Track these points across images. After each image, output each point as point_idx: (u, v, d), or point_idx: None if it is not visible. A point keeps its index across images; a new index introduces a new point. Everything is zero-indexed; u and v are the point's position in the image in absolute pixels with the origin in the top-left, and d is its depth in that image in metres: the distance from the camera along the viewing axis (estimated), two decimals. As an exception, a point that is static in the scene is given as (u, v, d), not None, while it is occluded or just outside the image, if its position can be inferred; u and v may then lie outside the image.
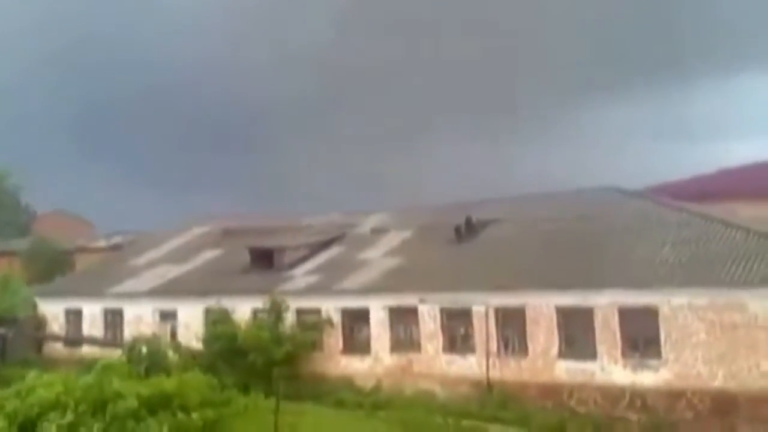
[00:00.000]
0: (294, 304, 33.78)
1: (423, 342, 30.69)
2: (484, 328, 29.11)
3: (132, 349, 31.10)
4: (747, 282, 24.95)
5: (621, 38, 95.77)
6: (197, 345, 33.70)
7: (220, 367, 31.17)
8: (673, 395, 25.26)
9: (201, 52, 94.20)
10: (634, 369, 26.10)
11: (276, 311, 33.06)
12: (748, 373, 24.31)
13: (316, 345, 32.83)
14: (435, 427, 25.66)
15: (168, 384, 24.39)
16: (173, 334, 36.52)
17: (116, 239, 57.34)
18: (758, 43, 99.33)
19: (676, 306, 25.58)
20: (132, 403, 22.20)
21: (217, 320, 34.03)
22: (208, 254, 42.84)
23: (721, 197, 40.42)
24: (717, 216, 30.62)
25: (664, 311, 25.76)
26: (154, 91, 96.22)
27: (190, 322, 36.08)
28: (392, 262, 34.82)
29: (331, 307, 33.15)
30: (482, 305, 29.23)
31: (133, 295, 39.41)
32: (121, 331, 38.58)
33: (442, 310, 30.37)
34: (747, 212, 36.49)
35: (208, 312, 35.39)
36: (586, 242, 30.65)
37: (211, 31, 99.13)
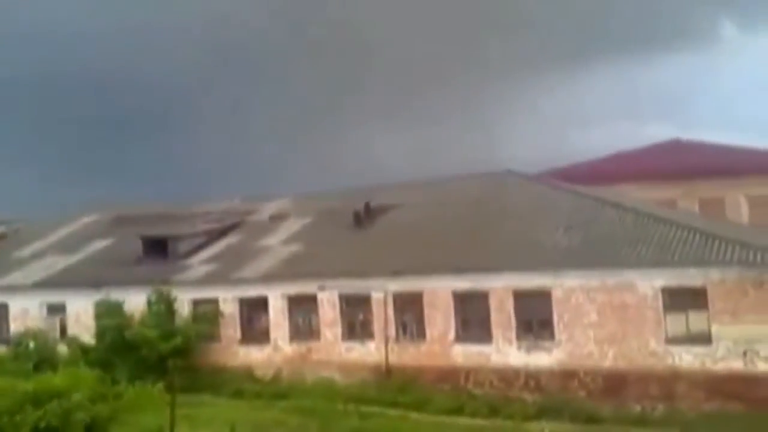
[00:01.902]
0: (190, 294, 33.25)
1: (322, 329, 30.63)
2: (382, 314, 29.24)
3: (19, 344, 30.05)
4: (637, 263, 25.62)
5: (521, 24, 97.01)
6: (89, 338, 32.78)
7: (113, 361, 30.48)
8: (566, 375, 25.90)
9: (85, 22, 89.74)
10: (529, 350, 26.66)
11: (166, 303, 32.39)
12: (638, 353, 25.09)
13: (212, 336, 32.34)
14: (335, 414, 25.60)
15: (56, 380, 23.52)
16: (63, 328, 35.37)
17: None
18: (650, 26, 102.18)
19: (568, 288, 26.20)
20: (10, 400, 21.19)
21: (107, 313, 33.14)
22: (99, 244, 41.45)
23: (613, 180, 41.48)
24: (608, 199, 31.46)
25: (556, 293, 26.35)
26: (31, 66, 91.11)
27: (81, 315, 34.97)
28: (291, 249, 34.52)
29: (228, 297, 32.72)
30: (381, 291, 29.33)
31: (18, 288, 37.72)
32: (7, 326, 37.05)
33: (341, 297, 30.36)
34: (638, 195, 37.66)
35: (98, 304, 34.36)
36: (482, 226, 31.06)
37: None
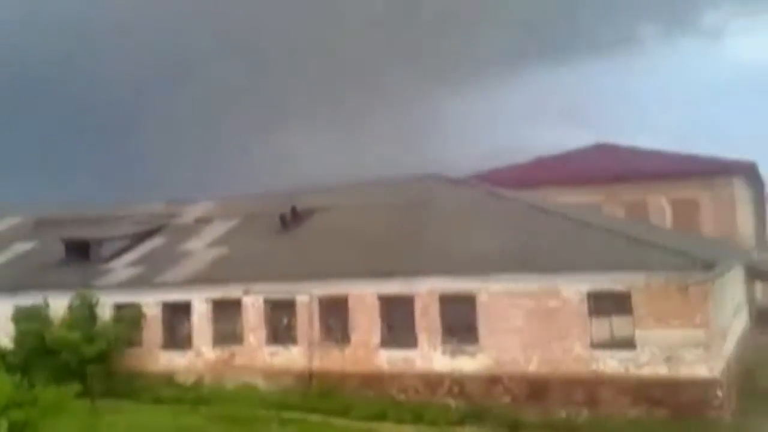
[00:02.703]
0: (112, 298, 32.40)
1: (246, 334, 30.00)
2: (307, 319, 28.73)
3: (-68, 350, 28.95)
4: (562, 268, 25.45)
5: (452, 27, 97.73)
6: (8, 343, 31.68)
7: (33, 366, 29.42)
8: (491, 381, 25.61)
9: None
10: (453, 356, 26.32)
11: (87, 307, 31.49)
12: (563, 358, 24.86)
13: (134, 341, 31.55)
14: (256, 420, 25.15)
15: (-30, 386, 22.59)
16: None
17: None
18: (576, 33, 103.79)
19: (493, 292, 25.94)
20: None
21: (27, 317, 32.10)
22: (19, 247, 40.29)
23: (538, 184, 41.64)
24: (535, 203, 31.43)
25: (482, 298, 26.08)
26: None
27: (0, 319, 33.71)
28: (216, 253, 33.88)
29: (151, 301, 31.93)
30: (306, 295, 28.83)
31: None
32: None
33: (266, 301, 29.78)
34: (563, 199, 37.84)
35: (17, 308, 33.21)
36: (409, 230, 30.77)
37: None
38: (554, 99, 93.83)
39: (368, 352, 27.63)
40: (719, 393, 23.03)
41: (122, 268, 34.81)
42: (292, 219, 34.79)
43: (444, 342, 26.56)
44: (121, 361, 31.26)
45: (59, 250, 37.03)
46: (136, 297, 32.38)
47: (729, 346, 26.84)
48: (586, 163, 44.59)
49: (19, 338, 31.61)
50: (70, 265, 36.05)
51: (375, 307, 27.73)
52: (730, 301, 29.68)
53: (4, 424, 22.04)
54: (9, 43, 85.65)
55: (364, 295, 27.92)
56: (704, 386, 23.01)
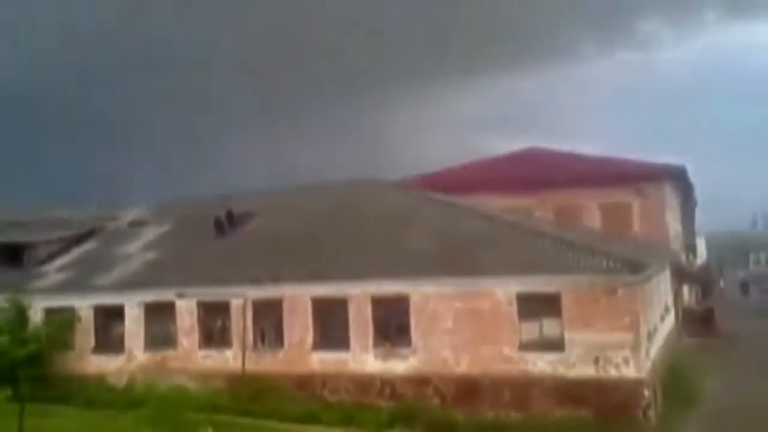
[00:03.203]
0: (44, 302, 32.06)
1: (179, 337, 29.89)
2: (241, 322, 28.66)
3: None
4: (492, 270, 25.63)
5: (401, 36, 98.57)
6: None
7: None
8: (421, 382, 25.75)
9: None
10: (385, 357, 26.46)
11: (18, 311, 31.01)
12: (492, 359, 25.03)
13: (65, 344, 31.21)
14: (186, 423, 24.94)
15: None
16: None
17: None
18: (520, 43, 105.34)
19: (425, 294, 26.11)
20: None
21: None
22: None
23: (470, 188, 41.88)
24: (466, 206, 31.71)
25: (414, 300, 26.23)
26: None
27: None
28: (150, 257, 33.67)
29: (83, 305, 31.63)
30: (240, 298, 28.75)
31: None
32: None
33: (200, 304, 29.68)
34: (496, 203, 38.18)
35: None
36: (343, 233, 30.86)
37: None
38: (495, 107, 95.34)
39: (301, 354, 27.64)
40: (646, 393, 23.41)
41: (54, 272, 34.40)
42: (228, 223, 34.67)
43: (376, 344, 26.70)
44: (53, 365, 30.93)
45: (-11, 253, 36.37)
46: (68, 301, 32.09)
47: (656, 348, 27.40)
48: (517, 167, 45.00)
49: (-54, 341, 30.96)
50: (2, 269, 35.50)
51: (308, 309, 27.77)
52: (658, 303, 30.30)
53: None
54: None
55: (297, 298, 27.94)
56: (631, 387, 23.33)
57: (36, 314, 31.81)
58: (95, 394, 29.11)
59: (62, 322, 31.41)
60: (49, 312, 32.01)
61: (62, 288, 32.79)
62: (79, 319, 31.53)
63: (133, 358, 30.46)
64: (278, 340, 28.24)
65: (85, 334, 31.51)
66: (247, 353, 28.41)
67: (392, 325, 26.60)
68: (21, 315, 31.43)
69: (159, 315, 30.39)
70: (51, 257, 35.82)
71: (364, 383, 26.52)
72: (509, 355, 24.98)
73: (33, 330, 31.13)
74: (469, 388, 25.21)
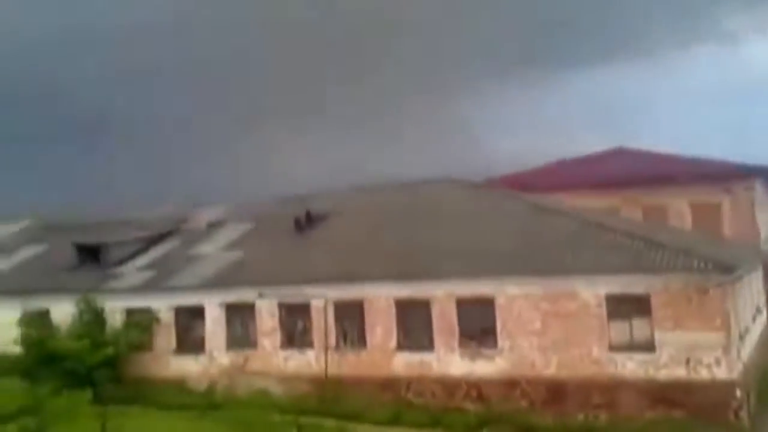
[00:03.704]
0: (123, 302, 32.18)
1: (260, 338, 29.73)
2: (322, 322, 28.44)
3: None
4: (580, 270, 25.18)
5: (473, 35, 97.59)
6: (15, 349, 31.45)
7: (40, 373, 29.20)
8: (509, 384, 25.36)
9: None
10: (471, 359, 26.06)
11: (93, 312, 31.23)
12: (581, 361, 24.62)
13: (144, 346, 31.26)
14: (270, 425, 24.90)
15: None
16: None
17: None
18: (594, 41, 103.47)
19: (511, 295, 25.69)
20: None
21: (32, 323, 31.98)
22: (29, 251, 40.16)
23: (556, 188, 41.44)
24: (552, 206, 31.19)
25: (499, 301, 25.83)
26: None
27: (7, 324, 33.26)
28: (229, 257, 33.58)
29: (162, 306, 31.66)
30: (321, 299, 28.55)
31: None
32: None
33: (281, 305, 29.50)
34: (581, 202, 37.52)
35: (24, 314, 33.14)
36: (423, 233, 30.43)
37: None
38: (575, 105, 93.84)
39: (384, 355, 27.35)
40: (738, 395, 22.85)
41: (133, 272, 34.56)
42: (307, 222, 34.56)
43: (461, 345, 26.30)
44: (132, 367, 31.03)
45: (70, 254, 36.85)
46: (147, 301, 32.10)
47: (748, 349, 26.58)
48: (604, 167, 44.36)
49: (25, 344, 31.40)
50: (81, 270, 35.83)
51: (391, 310, 27.47)
52: (750, 303, 29.42)
53: (14, 430, 21.95)
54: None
55: (379, 299, 27.65)
56: (723, 388, 22.84)
57: (114, 315, 31.88)
58: (175, 396, 29.03)
59: (141, 323, 31.46)
60: (129, 313, 32.05)
61: (141, 289, 32.80)
62: (158, 320, 31.52)
63: (214, 360, 30.40)
64: (360, 341, 27.97)
65: (165, 336, 31.54)
66: (329, 354, 28.17)
67: (477, 326, 26.23)
68: (98, 317, 31.55)
69: (240, 315, 30.29)
70: (130, 257, 35.99)
71: (449, 385, 26.16)
72: (598, 356, 24.55)
73: (111, 333, 31.18)
74: (557, 391, 24.79)
